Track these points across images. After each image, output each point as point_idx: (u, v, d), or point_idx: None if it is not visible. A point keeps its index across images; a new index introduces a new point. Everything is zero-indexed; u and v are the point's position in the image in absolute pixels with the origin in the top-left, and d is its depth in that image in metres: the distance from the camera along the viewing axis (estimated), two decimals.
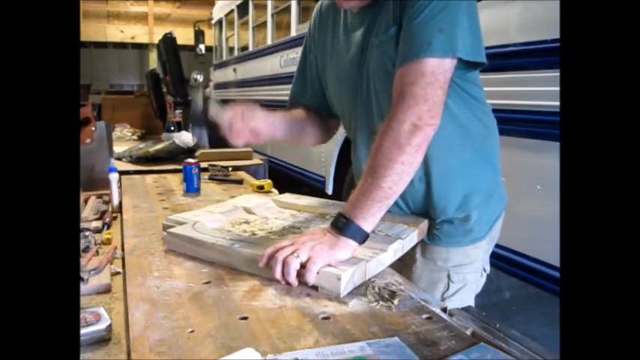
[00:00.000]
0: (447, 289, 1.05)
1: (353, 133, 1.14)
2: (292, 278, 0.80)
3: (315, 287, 0.80)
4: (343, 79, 1.09)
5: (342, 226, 0.84)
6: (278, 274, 0.80)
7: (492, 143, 1.09)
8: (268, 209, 1.21)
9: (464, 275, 1.06)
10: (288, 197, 1.31)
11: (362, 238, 0.85)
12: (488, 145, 1.08)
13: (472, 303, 1.10)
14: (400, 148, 0.85)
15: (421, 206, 1.07)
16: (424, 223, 1.05)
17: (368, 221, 0.85)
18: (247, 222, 1.09)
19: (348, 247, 0.83)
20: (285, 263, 0.80)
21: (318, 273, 0.79)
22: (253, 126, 1.04)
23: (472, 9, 0.92)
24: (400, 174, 0.86)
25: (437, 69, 0.87)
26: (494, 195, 1.07)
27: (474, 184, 1.04)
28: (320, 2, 1.18)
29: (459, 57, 0.89)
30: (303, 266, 0.80)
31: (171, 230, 0.99)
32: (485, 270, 1.11)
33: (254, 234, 1.00)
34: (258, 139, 1.06)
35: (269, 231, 1.02)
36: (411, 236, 0.98)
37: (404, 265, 1.08)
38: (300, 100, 1.22)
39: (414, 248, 1.07)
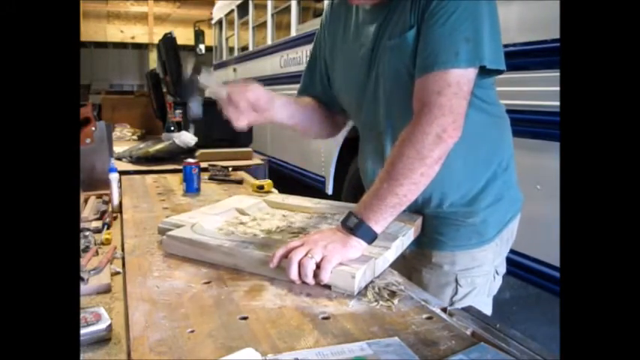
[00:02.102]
0: (456, 293, 1.04)
1: (359, 129, 1.13)
2: (310, 279, 0.80)
3: (324, 286, 0.80)
4: (351, 77, 1.08)
5: (354, 225, 0.86)
6: (294, 276, 0.80)
7: (503, 145, 1.07)
8: (260, 210, 1.21)
9: (472, 279, 1.04)
10: (278, 197, 1.32)
11: (372, 238, 0.87)
12: (498, 147, 1.06)
13: (487, 306, 1.09)
14: (422, 160, 0.86)
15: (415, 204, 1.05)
16: (419, 220, 1.05)
17: (379, 224, 0.87)
18: (242, 223, 1.09)
19: (359, 246, 0.84)
20: (301, 265, 0.80)
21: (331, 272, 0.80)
22: (253, 98, 1.00)
23: (493, 14, 0.91)
24: (417, 184, 0.87)
25: (462, 79, 0.87)
26: (504, 197, 1.05)
27: (479, 187, 1.03)
28: None
29: (484, 65, 0.89)
30: (317, 265, 0.80)
31: (171, 233, 0.98)
32: (497, 273, 1.09)
33: (255, 235, 1.00)
34: (260, 116, 1.02)
35: (269, 232, 1.02)
36: (408, 234, 0.99)
37: (413, 270, 1.08)
38: (309, 93, 1.21)
39: (419, 253, 1.08)
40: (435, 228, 1.06)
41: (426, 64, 0.89)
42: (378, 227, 0.87)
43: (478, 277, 1.05)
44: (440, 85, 0.87)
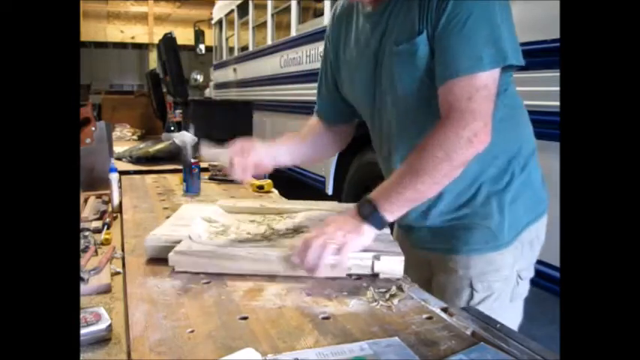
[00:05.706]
0: (472, 298, 1.00)
1: (371, 130, 1.12)
2: (325, 261, 0.81)
3: (333, 279, 0.83)
4: (356, 83, 1.07)
5: (369, 213, 0.87)
6: (312, 260, 0.81)
7: (520, 141, 1.03)
8: (224, 215, 1.15)
9: (489, 284, 1.00)
10: (228, 202, 1.25)
11: (382, 226, 0.89)
12: (514, 144, 1.02)
13: (513, 310, 1.05)
14: (450, 162, 0.86)
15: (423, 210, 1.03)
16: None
17: (394, 214, 0.89)
18: (225, 231, 1.05)
19: (371, 233, 0.87)
20: (321, 248, 0.82)
21: (379, 260, 0.85)
22: (256, 160, 1.06)
23: (505, 9, 0.89)
24: (438, 184, 0.88)
25: (489, 81, 0.87)
26: (520, 198, 1.01)
27: (495, 188, 0.99)
28: (337, 2, 1.15)
29: (510, 63, 0.88)
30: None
31: (181, 248, 0.88)
32: (521, 277, 1.04)
33: (265, 236, 1.00)
34: (263, 171, 1.09)
35: (265, 234, 1.02)
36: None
37: (433, 275, 1.06)
38: (327, 112, 1.21)
39: (437, 258, 1.05)
40: (449, 232, 1.02)
41: (450, 71, 0.88)
42: (391, 217, 0.88)
43: (496, 281, 1.00)
44: (469, 91, 0.86)
